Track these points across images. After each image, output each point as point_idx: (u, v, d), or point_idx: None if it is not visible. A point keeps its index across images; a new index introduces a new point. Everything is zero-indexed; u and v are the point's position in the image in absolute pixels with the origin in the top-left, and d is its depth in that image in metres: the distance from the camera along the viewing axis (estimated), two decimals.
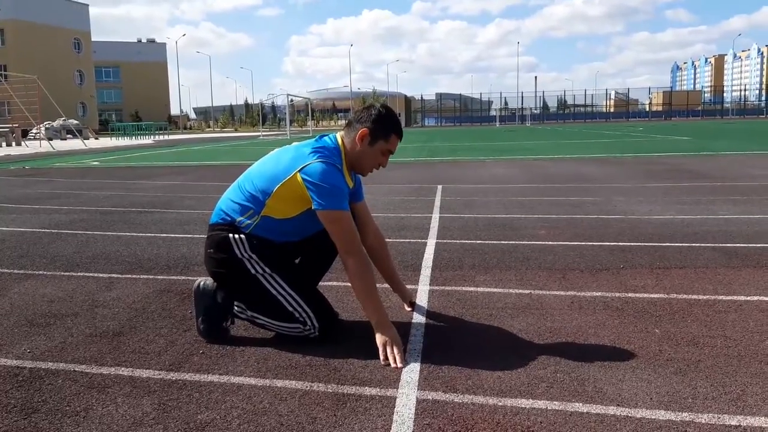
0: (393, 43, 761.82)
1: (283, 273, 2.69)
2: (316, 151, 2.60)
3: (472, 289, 3.48)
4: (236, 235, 2.66)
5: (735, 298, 3.23)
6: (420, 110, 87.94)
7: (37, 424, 2.00)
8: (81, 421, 2.01)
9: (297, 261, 2.89)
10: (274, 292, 2.65)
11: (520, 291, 3.42)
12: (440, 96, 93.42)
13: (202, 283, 2.78)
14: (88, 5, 65.32)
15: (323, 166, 2.55)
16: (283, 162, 2.63)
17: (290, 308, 2.64)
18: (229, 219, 2.69)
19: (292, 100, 53.79)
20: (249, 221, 2.66)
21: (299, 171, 2.56)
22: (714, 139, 21.25)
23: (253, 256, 2.65)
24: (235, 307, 2.74)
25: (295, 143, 2.76)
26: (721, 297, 3.25)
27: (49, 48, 57.14)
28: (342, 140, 2.72)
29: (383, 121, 2.70)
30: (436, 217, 6.01)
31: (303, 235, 2.76)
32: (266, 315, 2.69)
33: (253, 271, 2.66)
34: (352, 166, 2.73)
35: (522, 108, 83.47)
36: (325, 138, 2.73)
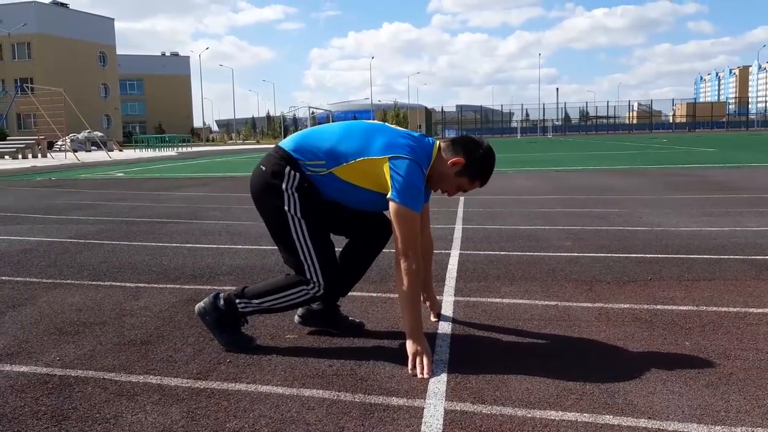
0: (413, 55, 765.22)
1: (311, 225, 2.66)
2: (410, 147, 2.59)
3: (497, 300, 3.46)
4: (292, 171, 2.63)
5: (766, 310, 3.18)
6: (441, 122, 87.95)
7: (68, 431, 2.01)
8: (111, 428, 2.03)
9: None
10: (294, 236, 2.65)
11: (547, 302, 3.39)
12: (461, 108, 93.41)
13: (200, 305, 2.79)
14: (113, 20, 66.46)
15: (413, 164, 2.54)
16: (374, 141, 2.60)
17: (301, 257, 2.64)
18: (297, 157, 2.65)
19: (313, 113, 54.10)
20: (315, 169, 2.63)
21: (389, 158, 2.54)
22: (740, 151, 20.99)
23: (295, 194, 2.63)
24: (239, 305, 2.72)
25: (387, 124, 2.74)
26: (751, 309, 3.20)
27: (74, 61, 58.09)
28: (439, 150, 2.70)
29: (481, 165, 2.70)
30: (459, 228, 5.99)
31: (351, 205, 2.73)
32: (271, 293, 2.70)
33: (286, 208, 2.64)
34: (430, 176, 2.71)
35: (543, 119, 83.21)
36: (425, 139, 2.71)
